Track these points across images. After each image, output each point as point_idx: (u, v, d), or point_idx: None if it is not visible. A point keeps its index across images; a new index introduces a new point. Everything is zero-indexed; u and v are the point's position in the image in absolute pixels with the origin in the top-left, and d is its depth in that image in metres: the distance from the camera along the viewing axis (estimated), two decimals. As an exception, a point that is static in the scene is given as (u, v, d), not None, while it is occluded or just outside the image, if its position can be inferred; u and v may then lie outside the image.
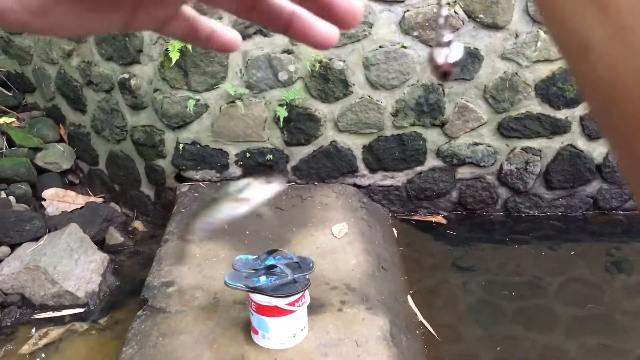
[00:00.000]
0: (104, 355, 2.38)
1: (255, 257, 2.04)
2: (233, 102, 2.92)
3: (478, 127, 3.03)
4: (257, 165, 3.07)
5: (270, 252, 2.05)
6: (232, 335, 2.01)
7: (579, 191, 3.19)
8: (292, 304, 1.89)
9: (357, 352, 1.93)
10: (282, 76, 2.86)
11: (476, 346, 2.41)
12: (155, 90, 2.94)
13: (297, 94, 2.89)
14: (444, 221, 3.23)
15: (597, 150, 3.07)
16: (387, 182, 3.16)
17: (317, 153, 3.05)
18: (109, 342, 2.47)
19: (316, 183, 3.10)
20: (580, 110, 2.98)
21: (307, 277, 1.94)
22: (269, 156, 3.04)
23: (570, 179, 3.12)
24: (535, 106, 2.98)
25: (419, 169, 3.13)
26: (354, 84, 2.90)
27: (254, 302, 1.89)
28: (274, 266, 1.94)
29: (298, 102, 2.92)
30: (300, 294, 1.90)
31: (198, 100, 2.91)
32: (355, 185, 3.14)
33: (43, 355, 2.38)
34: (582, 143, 3.06)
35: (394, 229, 3.09)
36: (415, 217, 3.24)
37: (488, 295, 2.69)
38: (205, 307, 2.16)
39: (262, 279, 1.90)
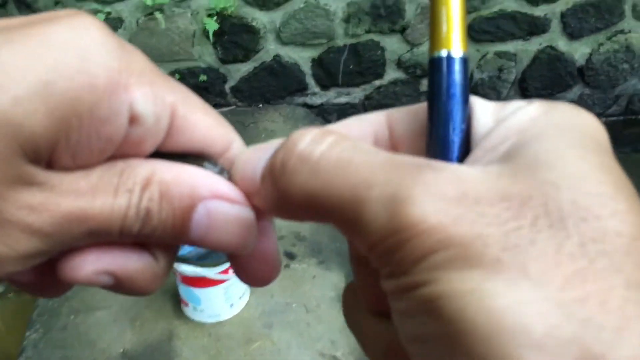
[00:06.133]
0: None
1: (178, 214, 1.67)
2: (152, 13, 2.42)
3: (444, 30, 2.60)
4: (190, 87, 2.61)
5: (197, 208, 1.69)
6: (159, 307, 1.69)
7: (558, 98, 2.84)
8: (225, 272, 1.56)
9: (307, 319, 1.64)
10: (208, -21, 2.36)
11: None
12: (57, 2, 2.41)
13: (228, 2, 2.40)
14: (408, 140, 2.88)
15: (579, 51, 2.70)
16: (342, 100, 2.76)
17: (258, 70, 2.61)
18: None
19: (260, 105, 2.69)
20: (562, 5, 2.57)
21: (241, 237, 1.59)
22: (203, 77, 2.59)
23: (549, 85, 2.77)
24: (510, 3, 2.55)
25: (377, 82, 2.72)
26: (296, -15, 2.42)
27: (178, 272, 1.55)
28: (200, 227, 1.58)
29: (231, 11, 2.43)
30: (234, 259, 1.56)
31: (109, 13, 2.41)
32: (305, 105, 2.73)
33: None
34: (562, 44, 2.67)
35: (352, 153, 2.74)
36: (376, 137, 2.89)
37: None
38: (126, 272, 1.82)
39: (186, 245, 1.55)
